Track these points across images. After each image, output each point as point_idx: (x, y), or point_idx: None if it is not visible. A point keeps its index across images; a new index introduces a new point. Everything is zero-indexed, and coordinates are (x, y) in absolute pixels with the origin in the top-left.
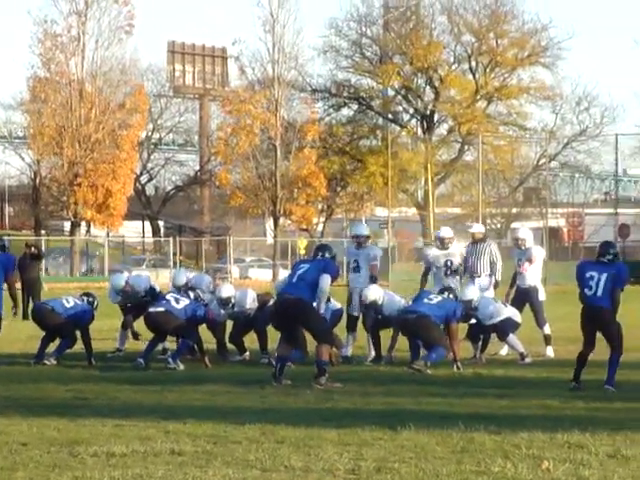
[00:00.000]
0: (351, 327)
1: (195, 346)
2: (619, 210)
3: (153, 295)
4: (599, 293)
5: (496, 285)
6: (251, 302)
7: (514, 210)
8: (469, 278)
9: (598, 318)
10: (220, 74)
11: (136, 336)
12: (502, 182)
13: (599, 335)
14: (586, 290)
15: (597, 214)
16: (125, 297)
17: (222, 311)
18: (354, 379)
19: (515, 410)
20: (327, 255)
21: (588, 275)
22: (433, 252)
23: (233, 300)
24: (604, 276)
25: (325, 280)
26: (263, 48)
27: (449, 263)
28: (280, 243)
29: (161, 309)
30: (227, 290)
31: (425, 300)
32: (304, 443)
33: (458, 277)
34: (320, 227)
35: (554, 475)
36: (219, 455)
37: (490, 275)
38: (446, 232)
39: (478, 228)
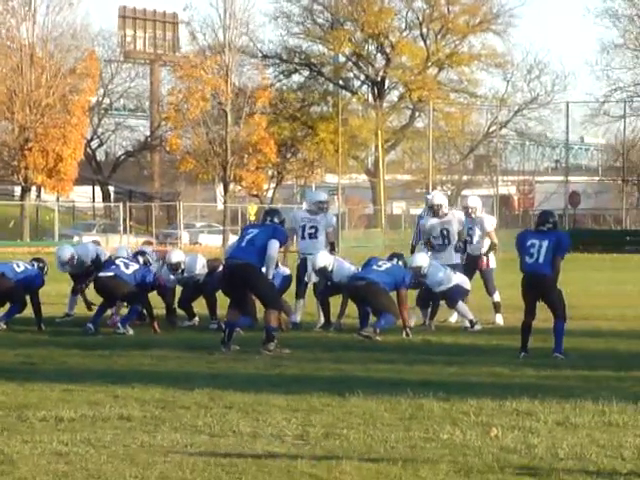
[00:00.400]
0: (300, 293)
1: (144, 311)
2: (570, 178)
3: (99, 264)
4: (540, 260)
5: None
6: (201, 268)
7: (464, 177)
8: (422, 245)
9: (540, 285)
10: (171, 39)
11: (89, 305)
12: (453, 149)
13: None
14: (527, 258)
15: (548, 182)
16: (72, 267)
17: (172, 276)
18: (303, 345)
19: (464, 377)
20: (276, 220)
21: (529, 243)
22: (429, 222)
23: (183, 265)
24: (545, 243)
25: (273, 246)
26: (214, 13)
27: (445, 232)
28: (230, 209)
29: (110, 274)
30: (177, 255)
31: (374, 267)
32: (252, 409)
33: (456, 246)
34: (270, 193)
35: (503, 442)
36: (167, 420)
37: None
38: (438, 198)
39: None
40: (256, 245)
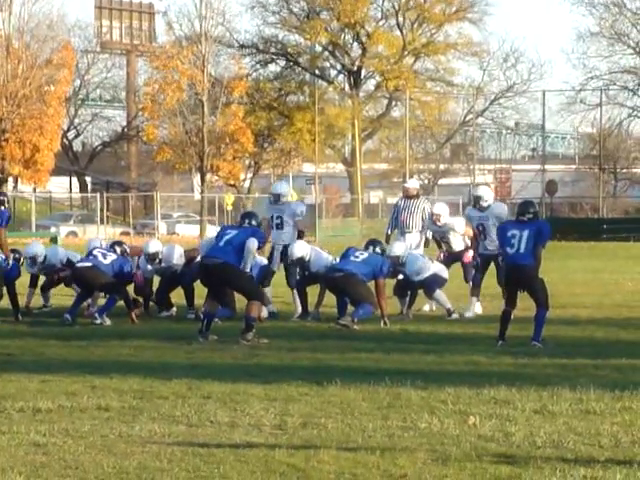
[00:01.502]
0: (267, 282)
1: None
2: (547, 166)
3: (70, 266)
4: (522, 250)
5: (427, 243)
6: (178, 258)
7: (441, 166)
8: (399, 233)
9: (522, 276)
10: (147, 30)
11: (27, 306)
12: (429, 138)
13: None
14: (508, 249)
15: (524, 170)
16: (40, 268)
17: (149, 267)
18: (281, 335)
19: (442, 366)
20: (254, 222)
21: (509, 234)
22: (470, 213)
23: (160, 256)
24: (525, 233)
25: (253, 242)
26: (190, 3)
27: (480, 228)
28: (207, 199)
29: (88, 264)
30: (154, 246)
31: (352, 257)
32: (230, 399)
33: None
34: (247, 183)
35: (480, 431)
36: (145, 410)
37: (421, 232)
38: (483, 191)
39: (413, 184)
40: (234, 244)
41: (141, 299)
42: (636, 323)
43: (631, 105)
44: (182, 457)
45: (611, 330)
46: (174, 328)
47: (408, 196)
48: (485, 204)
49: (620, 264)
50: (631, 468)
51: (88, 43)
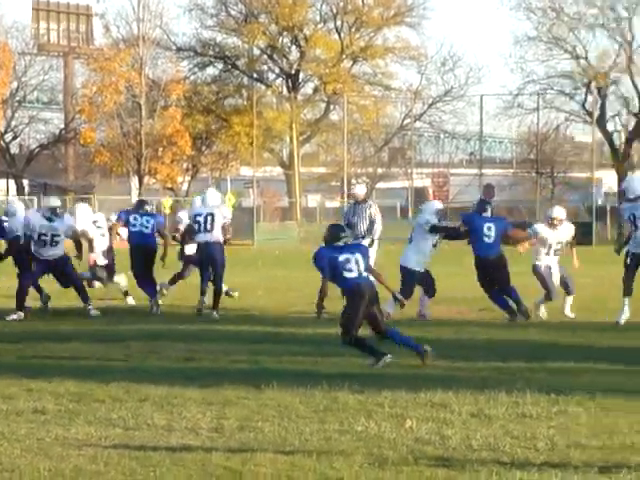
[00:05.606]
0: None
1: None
2: (484, 170)
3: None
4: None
5: (371, 244)
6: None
7: (379, 170)
8: (353, 239)
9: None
10: (85, 32)
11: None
12: (367, 142)
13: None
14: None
15: (462, 174)
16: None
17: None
18: (218, 338)
19: (379, 369)
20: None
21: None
22: (542, 230)
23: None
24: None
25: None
26: (128, 6)
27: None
28: None
29: None
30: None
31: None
32: (167, 402)
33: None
34: (185, 186)
35: (417, 434)
36: (82, 413)
37: (370, 235)
38: (558, 212)
39: (360, 189)
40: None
41: None
42: (574, 327)
43: (568, 109)
44: (118, 460)
45: (545, 332)
46: (112, 330)
47: (356, 201)
48: (561, 224)
49: None
50: (567, 471)
51: (25, 45)
